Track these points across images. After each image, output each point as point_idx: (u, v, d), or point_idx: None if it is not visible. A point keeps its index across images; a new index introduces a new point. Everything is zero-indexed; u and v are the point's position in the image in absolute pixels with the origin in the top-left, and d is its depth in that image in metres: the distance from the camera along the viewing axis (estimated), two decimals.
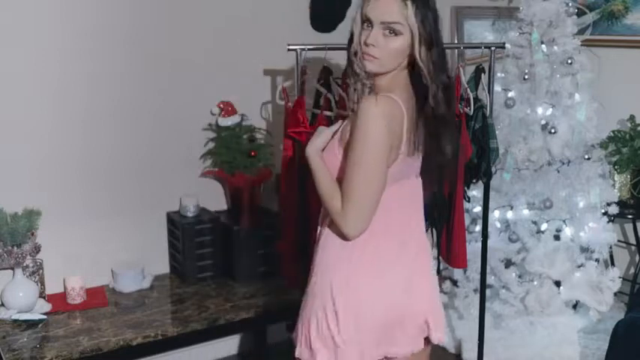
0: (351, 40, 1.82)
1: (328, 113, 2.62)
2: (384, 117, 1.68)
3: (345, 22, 3.43)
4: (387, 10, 1.72)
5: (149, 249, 3.08)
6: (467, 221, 3.17)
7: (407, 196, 1.86)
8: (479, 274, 3.06)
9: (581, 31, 3.33)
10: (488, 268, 3.10)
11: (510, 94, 3.24)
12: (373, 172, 1.69)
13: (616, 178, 3.38)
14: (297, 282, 2.85)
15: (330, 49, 2.62)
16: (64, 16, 2.76)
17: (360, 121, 1.68)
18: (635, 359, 2.38)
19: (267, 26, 3.23)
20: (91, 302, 2.80)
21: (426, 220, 2.80)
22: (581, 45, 3.18)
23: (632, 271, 3.55)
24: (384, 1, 1.72)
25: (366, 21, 1.75)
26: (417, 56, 1.75)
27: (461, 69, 2.68)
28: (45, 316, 2.65)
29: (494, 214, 3.29)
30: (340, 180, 1.75)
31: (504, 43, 3.02)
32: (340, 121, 1.91)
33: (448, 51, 3.82)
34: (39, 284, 2.75)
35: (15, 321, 2.60)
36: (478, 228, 3.33)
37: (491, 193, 3.04)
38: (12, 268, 2.64)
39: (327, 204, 1.77)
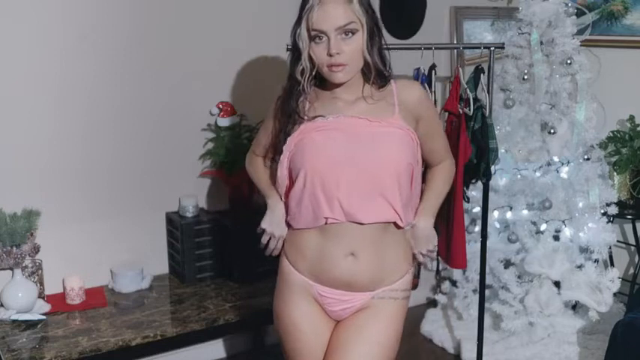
0: (295, 59, 1.76)
1: None
2: None
3: None
4: (336, 14, 1.66)
5: (148, 249, 3.08)
6: (466, 222, 3.17)
7: None
8: (478, 275, 3.06)
9: (580, 32, 3.33)
10: (487, 268, 3.10)
11: (509, 95, 3.24)
12: None
13: (615, 179, 3.38)
14: None
15: None
16: (64, 17, 2.76)
17: (427, 100, 1.91)
18: None
19: (267, 26, 3.22)
20: (90, 302, 2.80)
21: None
22: (581, 45, 3.18)
23: (631, 271, 3.55)
24: (330, 6, 1.66)
25: (317, 34, 1.69)
26: (365, 48, 1.72)
27: (460, 69, 2.69)
28: (44, 317, 2.65)
29: (494, 215, 3.29)
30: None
31: (503, 44, 3.03)
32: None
33: (448, 51, 3.85)
34: (38, 284, 2.74)
35: (14, 321, 2.60)
36: (477, 228, 3.33)
37: (491, 194, 3.04)
38: (11, 269, 2.64)
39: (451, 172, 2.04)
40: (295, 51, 1.75)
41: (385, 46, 1.81)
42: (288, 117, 1.81)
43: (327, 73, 1.73)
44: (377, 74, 1.78)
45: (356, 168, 1.74)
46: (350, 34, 1.69)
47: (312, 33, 1.69)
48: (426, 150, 1.93)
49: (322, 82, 1.83)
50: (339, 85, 1.78)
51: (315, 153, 1.76)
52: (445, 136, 2.07)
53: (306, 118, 1.79)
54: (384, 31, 3.45)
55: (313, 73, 1.75)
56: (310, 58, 1.72)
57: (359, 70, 1.77)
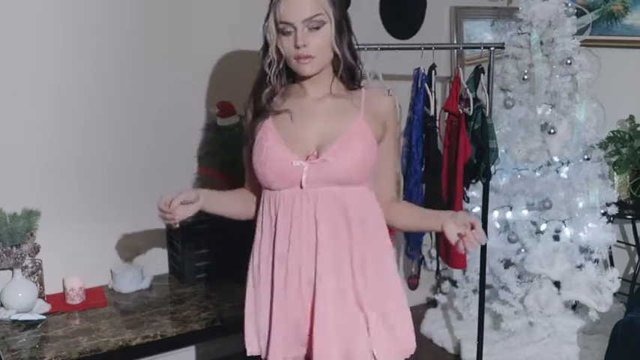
0: (265, 51, 1.75)
1: None
2: None
3: None
4: (303, 5, 1.66)
5: (148, 249, 3.08)
6: None
7: None
8: (478, 275, 3.06)
9: (580, 32, 3.33)
10: (487, 268, 3.10)
11: (509, 95, 3.24)
12: None
13: (615, 179, 3.39)
14: None
15: None
16: (64, 17, 2.76)
17: (396, 114, 1.84)
18: None
19: None
20: (90, 302, 2.80)
21: None
22: (581, 45, 3.18)
23: (631, 271, 3.56)
24: None
25: (284, 26, 1.68)
26: (334, 42, 1.71)
27: (460, 69, 2.69)
28: (44, 317, 2.65)
29: (494, 215, 3.29)
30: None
31: (503, 44, 3.03)
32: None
33: (448, 51, 3.85)
34: (38, 284, 2.74)
35: (14, 321, 2.60)
36: None
37: (491, 194, 3.04)
38: (11, 269, 2.64)
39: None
40: (265, 44, 1.76)
41: (356, 43, 1.79)
42: (258, 112, 1.82)
43: (295, 65, 1.72)
44: (347, 69, 1.77)
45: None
46: (317, 27, 1.68)
47: (280, 25, 1.68)
48: (376, 171, 1.81)
49: (292, 76, 1.82)
50: (307, 78, 1.78)
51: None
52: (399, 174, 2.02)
53: (273, 109, 1.79)
54: (383, 31, 3.43)
55: (281, 66, 1.75)
56: (278, 51, 1.72)
57: (327, 64, 1.76)
